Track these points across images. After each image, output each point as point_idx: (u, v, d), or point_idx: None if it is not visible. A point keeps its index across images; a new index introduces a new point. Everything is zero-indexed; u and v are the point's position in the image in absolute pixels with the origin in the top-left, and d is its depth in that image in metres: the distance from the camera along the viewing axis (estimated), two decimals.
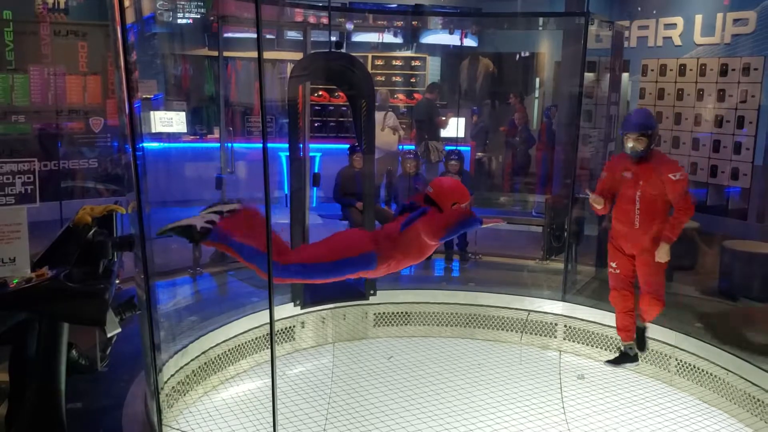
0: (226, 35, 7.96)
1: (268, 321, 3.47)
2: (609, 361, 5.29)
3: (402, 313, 6.34)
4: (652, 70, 9.68)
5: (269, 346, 5.55)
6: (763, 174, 8.58)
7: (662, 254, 4.68)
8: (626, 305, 5.00)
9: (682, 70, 9.32)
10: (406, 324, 6.37)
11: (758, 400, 4.70)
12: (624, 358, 5.17)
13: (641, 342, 5.13)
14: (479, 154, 10.67)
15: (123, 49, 3.61)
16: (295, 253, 3.76)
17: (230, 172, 6.83)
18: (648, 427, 4.84)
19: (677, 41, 9.52)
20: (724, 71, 8.89)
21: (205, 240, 3.56)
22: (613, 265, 4.97)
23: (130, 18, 3.86)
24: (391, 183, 8.65)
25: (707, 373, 5.14)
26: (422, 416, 4.92)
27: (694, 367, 5.24)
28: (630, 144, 4.69)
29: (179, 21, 9.56)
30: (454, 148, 8.35)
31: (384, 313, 6.31)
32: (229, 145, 7.27)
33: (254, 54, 10.31)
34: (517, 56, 11.44)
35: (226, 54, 7.31)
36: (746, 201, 8.79)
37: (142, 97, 7.47)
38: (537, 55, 11.43)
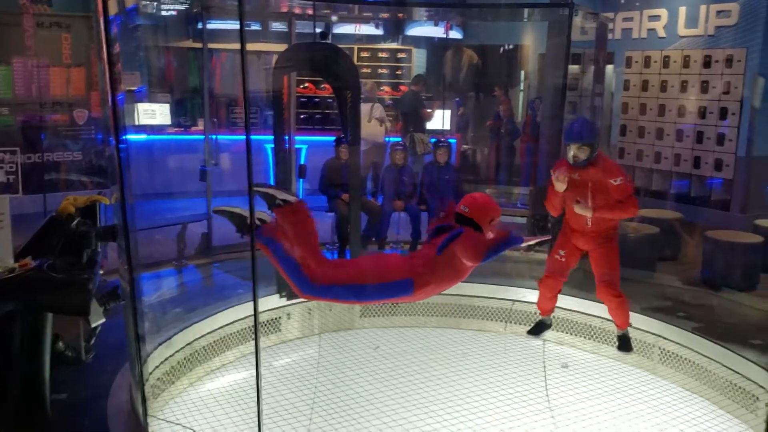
0: (210, 26, 7.92)
1: (252, 313, 3.47)
2: (529, 332, 5.51)
3: (388, 304, 6.35)
4: (637, 62, 9.76)
5: (251, 338, 5.57)
6: (746, 165, 8.67)
7: (579, 209, 4.87)
8: (555, 291, 5.22)
9: (666, 61, 9.40)
10: (392, 315, 6.39)
11: (740, 387, 4.76)
12: (542, 327, 5.44)
13: (625, 344, 5.17)
14: (464, 146, 10.70)
15: (106, 40, 3.59)
16: (330, 272, 3.64)
17: (215, 164, 6.82)
18: (631, 414, 4.89)
19: (661, 33, 9.59)
20: (707, 63, 8.98)
21: (250, 235, 3.50)
22: (561, 252, 5.12)
23: (113, 9, 3.84)
24: (377, 175, 8.66)
25: (690, 361, 5.20)
26: (407, 405, 4.95)
27: (677, 356, 5.30)
28: (572, 153, 4.84)
29: (163, 12, 9.50)
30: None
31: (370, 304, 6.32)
32: (214, 137, 7.26)
33: (238, 45, 10.27)
34: (501, 48, 11.43)
35: (210, 45, 7.26)
36: (729, 192, 8.89)
37: (125, 89, 7.43)
38: (521, 47, 11.44)
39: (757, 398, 4.55)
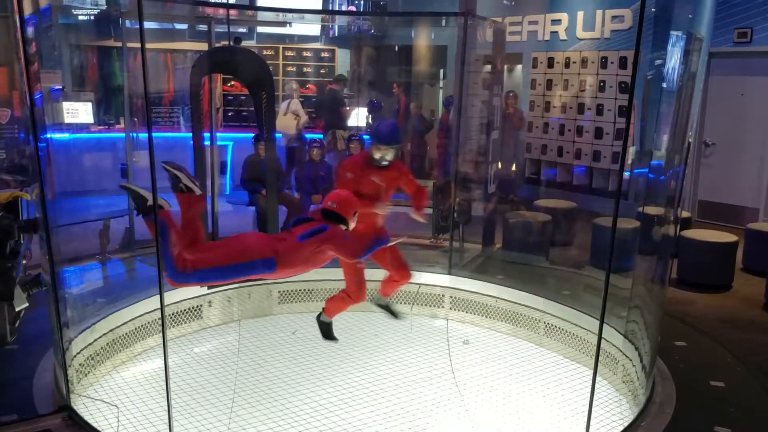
0: (130, 26, 8.15)
1: (159, 304, 3.84)
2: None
3: (305, 290, 6.78)
4: (541, 62, 10.45)
5: (174, 325, 5.93)
6: (639, 158, 9.44)
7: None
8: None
9: (567, 62, 10.11)
10: (309, 300, 6.80)
11: (606, 351, 5.35)
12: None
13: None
14: None
15: (22, 40, 3.85)
16: (202, 256, 3.93)
17: (136, 161, 7.09)
18: (518, 379, 5.48)
19: (563, 36, 10.31)
20: (603, 64, 9.72)
21: (146, 218, 3.79)
22: None
23: (28, 9, 4.09)
24: (299, 170, 9.07)
25: (568, 332, 5.81)
26: (324, 383, 5.33)
27: (558, 328, 5.91)
28: (379, 155, 5.08)
29: (85, 12, 9.67)
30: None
31: (288, 291, 6.73)
32: (134, 135, 7.51)
33: (158, 45, 10.51)
34: (412, 48, 11.74)
35: (130, 45, 7.52)
36: (627, 182, 9.64)
37: (48, 87, 7.59)
38: (438, 48, 11.98)
39: (617, 360, 5.19)
